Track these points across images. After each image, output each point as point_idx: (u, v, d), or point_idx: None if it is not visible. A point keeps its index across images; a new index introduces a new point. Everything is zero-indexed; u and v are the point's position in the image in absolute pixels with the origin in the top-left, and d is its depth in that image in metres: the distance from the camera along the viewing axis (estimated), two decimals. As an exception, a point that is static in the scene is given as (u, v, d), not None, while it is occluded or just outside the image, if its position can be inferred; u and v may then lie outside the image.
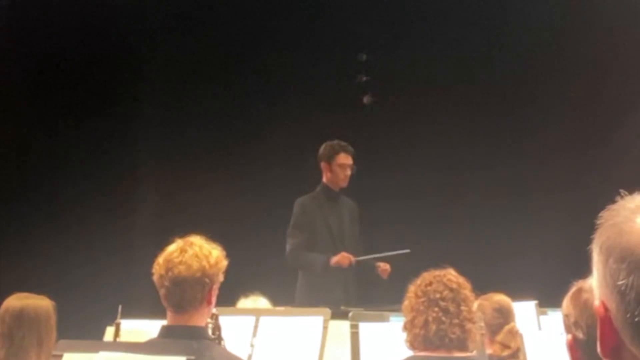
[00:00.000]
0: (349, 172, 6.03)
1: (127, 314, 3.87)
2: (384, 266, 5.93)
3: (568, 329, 2.14)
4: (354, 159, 6.06)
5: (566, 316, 2.17)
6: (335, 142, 6.09)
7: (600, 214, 1.07)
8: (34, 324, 3.47)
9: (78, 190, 7.68)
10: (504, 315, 4.45)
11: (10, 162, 7.66)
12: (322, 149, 6.09)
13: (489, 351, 4.21)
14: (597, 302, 1.06)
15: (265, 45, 8.12)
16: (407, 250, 5.92)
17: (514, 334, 4.32)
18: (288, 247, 5.96)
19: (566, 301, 2.18)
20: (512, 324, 4.42)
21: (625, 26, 7.18)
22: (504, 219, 7.40)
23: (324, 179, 6.08)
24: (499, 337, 4.35)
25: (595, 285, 1.07)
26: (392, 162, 7.91)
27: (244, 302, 4.60)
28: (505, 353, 4.29)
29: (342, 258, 5.86)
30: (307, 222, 5.99)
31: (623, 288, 1.01)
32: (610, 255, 1.04)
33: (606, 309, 1.04)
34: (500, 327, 4.39)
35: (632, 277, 1.01)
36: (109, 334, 3.86)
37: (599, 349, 1.05)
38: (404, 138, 7.95)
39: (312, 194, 6.12)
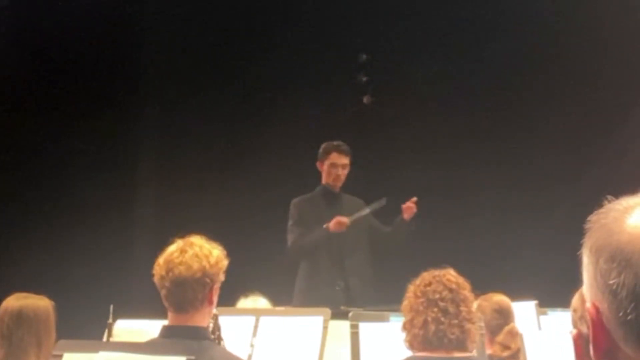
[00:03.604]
0: (340, 172, 6.02)
1: (127, 314, 3.87)
2: (408, 206, 5.91)
3: (574, 324, 2.14)
4: (350, 158, 6.05)
5: (574, 310, 2.17)
6: (331, 142, 6.10)
7: (589, 218, 1.08)
8: (33, 324, 3.47)
9: (78, 190, 7.68)
10: (504, 316, 4.45)
11: (9, 162, 7.65)
12: (319, 149, 6.11)
13: (488, 352, 4.21)
14: (588, 305, 1.06)
15: (265, 45, 8.12)
16: (384, 200, 5.92)
17: (514, 334, 4.31)
18: (289, 242, 5.97)
19: (576, 296, 2.19)
20: (512, 324, 4.42)
21: (626, 23, 7.19)
22: (504, 218, 7.40)
23: (322, 180, 6.10)
24: (499, 338, 4.35)
25: (585, 288, 1.08)
26: (392, 162, 7.91)
27: (244, 302, 4.60)
28: (506, 354, 4.29)
29: (336, 224, 5.85)
30: (303, 221, 5.99)
31: (615, 287, 1.01)
32: (600, 255, 1.04)
33: (598, 311, 1.04)
34: (500, 327, 4.38)
35: (623, 275, 1.01)
36: (109, 334, 3.86)
37: (591, 353, 1.05)
38: (404, 138, 7.95)
39: (309, 194, 6.12)
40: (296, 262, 6.06)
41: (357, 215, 5.95)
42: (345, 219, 5.86)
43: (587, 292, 1.07)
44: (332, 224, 5.85)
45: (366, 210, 5.99)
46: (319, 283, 5.89)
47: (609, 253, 1.03)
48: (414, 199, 5.98)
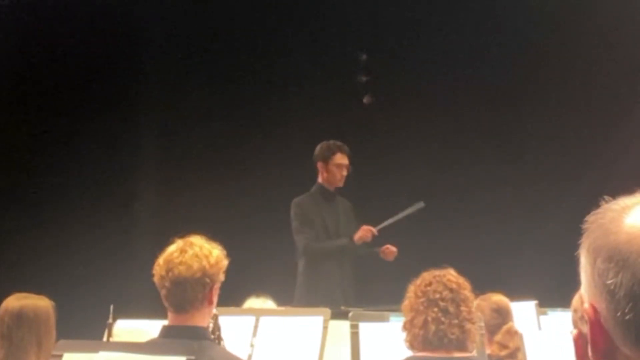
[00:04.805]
0: (345, 172, 6.03)
1: (127, 314, 3.87)
2: (390, 248, 5.92)
3: (575, 324, 2.14)
4: (349, 158, 6.06)
5: (574, 311, 2.17)
6: (332, 142, 6.08)
7: (586, 218, 1.08)
8: (33, 324, 3.47)
9: (78, 190, 7.68)
10: (502, 316, 4.46)
11: (9, 162, 7.65)
12: (318, 149, 6.08)
13: (487, 351, 4.21)
14: (586, 305, 1.06)
15: (265, 45, 8.12)
16: (422, 204, 5.94)
17: (512, 334, 4.33)
18: (302, 242, 5.91)
19: (576, 296, 2.18)
20: (510, 323, 4.43)
21: (627, 22, 7.19)
22: (504, 218, 7.40)
23: (320, 179, 6.07)
24: (498, 337, 4.36)
25: (583, 289, 1.07)
26: (391, 162, 7.91)
27: (255, 301, 4.60)
28: (504, 353, 4.30)
29: (364, 232, 5.87)
30: (308, 221, 5.98)
31: (612, 287, 1.01)
32: (598, 255, 1.04)
33: (595, 311, 1.04)
34: (498, 327, 4.39)
35: (621, 275, 1.01)
36: (109, 334, 3.86)
37: (590, 353, 1.05)
38: (404, 138, 7.95)
39: (308, 194, 6.11)
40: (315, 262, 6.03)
41: (386, 223, 5.96)
42: (371, 229, 5.89)
43: (585, 292, 1.07)
44: (359, 234, 5.86)
45: (401, 214, 6.00)
46: (321, 283, 5.89)
47: (606, 253, 1.03)
48: (395, 250, 5.96)
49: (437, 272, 3.25)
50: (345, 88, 8.19)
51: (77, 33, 7.82)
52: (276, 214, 6.63)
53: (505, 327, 4.39)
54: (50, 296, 3.64)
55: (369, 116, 8.15)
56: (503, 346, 4.33)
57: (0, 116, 7.68)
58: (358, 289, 6.14)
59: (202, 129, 8.10)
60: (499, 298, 4.55)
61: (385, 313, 3.72)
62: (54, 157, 7.70)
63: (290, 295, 5.86)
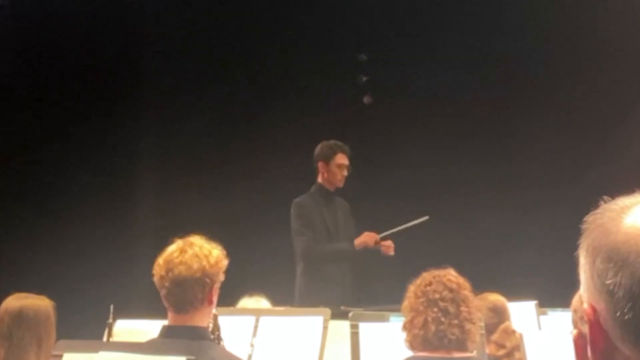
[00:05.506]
0: (346, 173, 6.01)
1: (127, 314, 3.88)
2: (387, 243, 5.92)
3: (575, 324, 2.14)
4: (350, 159, 6.05)
5: (574, 311, 2.17)
6: (333, 142, 6.06)
7: (585, 218, 1.08)
8: (33, 324, 3.46)
9: (78, 190, 7.68)
10: (499, 315, 4.47)
11: (9, 162, 7.66)
12: (318, 149, 6.05)
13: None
14: (585, 305, 1.06)
15: (265, 45, 8.12)
16: (426, 217, 5.93)
17: (509, 333, 4.33)
18: (303, 244, 5.85)
19: (576, 296, 2.18)
20: (507, 323, 4.43)
21: (626, 22, 7.19)
22: (504, 217, 7.40)
23: (320, 179, 6.04)
24: (495, 337, 4.36)
25: (583, 289, 1.07)
26: (391, 162, 7.92)
27: (248, 301, 4.60)
28: (501, 352, 4.30)
29: (367, 237, 5.86)
30: (310, 222, 5.97)
31: (611, 287, 1.01)
32: (597, 255, 1.04)
33: (595, 312, 1.04)
34: (495, 326, 4.40)
35: (620, 275, 1.01)
36: (109, 334, 3.86)
37: (589, 354, 1.05)
38: (403, 138, 7.96)
39: (309, 194, 6.09)
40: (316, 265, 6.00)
41: (389, 232, 5.94)
42: (375, 235, 5.87)
43: (584, 292, 1.07)
44: (361, 239, 5.86)
45: (406, 225, 5.97)
46: (321, 284, 5.88)
47: (605, 253, 1.03)
48: (392, 245, 5.96)
49: (437, 272, 3.25)
50: (345, 88, 8.20)
51: (77, 33, 7.82)
52: (276, 213, 6.62)
53: (502, 327, 4.39)
54: (50, 296, 3.64)
55: (369, 116, 8.16)
56: (500, 345, 4.33)
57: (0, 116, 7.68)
58: (358, 289, 6.13)
59: (202, 128, 8.10)
60: (495, 297, 4.56)
61: (385, 313, 3.72)
62: (53, 157, 7.70)
63: (288, 295, 5.85)
